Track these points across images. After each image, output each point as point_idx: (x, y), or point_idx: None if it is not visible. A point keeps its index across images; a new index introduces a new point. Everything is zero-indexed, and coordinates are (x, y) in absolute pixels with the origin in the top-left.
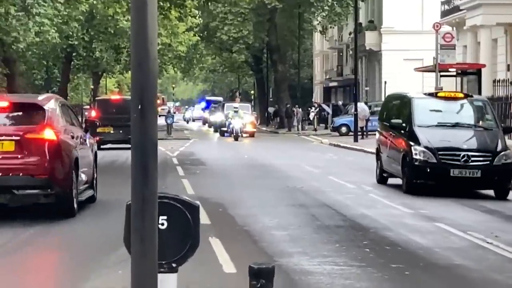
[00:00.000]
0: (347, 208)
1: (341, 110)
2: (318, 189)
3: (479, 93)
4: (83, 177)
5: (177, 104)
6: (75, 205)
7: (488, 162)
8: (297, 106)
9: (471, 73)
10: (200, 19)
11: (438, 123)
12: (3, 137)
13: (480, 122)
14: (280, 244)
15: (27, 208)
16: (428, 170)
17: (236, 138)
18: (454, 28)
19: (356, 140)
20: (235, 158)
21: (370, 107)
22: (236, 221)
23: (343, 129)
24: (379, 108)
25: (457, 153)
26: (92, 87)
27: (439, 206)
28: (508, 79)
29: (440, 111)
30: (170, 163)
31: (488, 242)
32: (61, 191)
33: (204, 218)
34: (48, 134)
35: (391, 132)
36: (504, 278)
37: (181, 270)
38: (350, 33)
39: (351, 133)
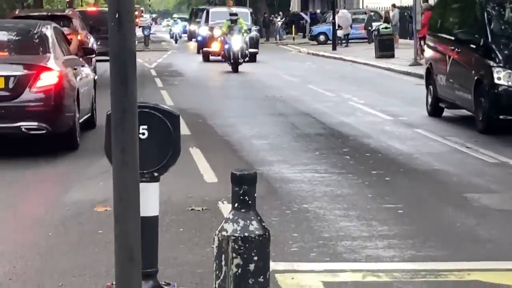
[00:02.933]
0: (326, 116)
1: (319, 19)
2: (297, 98)
3: None
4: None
5: (154, 15)
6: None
7: None
8: (275, 15)
9: None
10: None
11: None
12: None
13: None
14: (260, 153)
15: None
16: None
17: (235, 68)
18: None
19: (334, 48)
20: (212, 68)
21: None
22: (216, 131)
23: (321, 38)
24: (358, 16)
25: None
26: None
27: (417, 112)
28: None
29: None
30: (148, 74)
31: (467, 147)
32: None
33: (184, 129)
34: (77, 36)
35: (453, 47)
36: (484, 182)
37: (162, 180)
38: None
39: (329, 42)
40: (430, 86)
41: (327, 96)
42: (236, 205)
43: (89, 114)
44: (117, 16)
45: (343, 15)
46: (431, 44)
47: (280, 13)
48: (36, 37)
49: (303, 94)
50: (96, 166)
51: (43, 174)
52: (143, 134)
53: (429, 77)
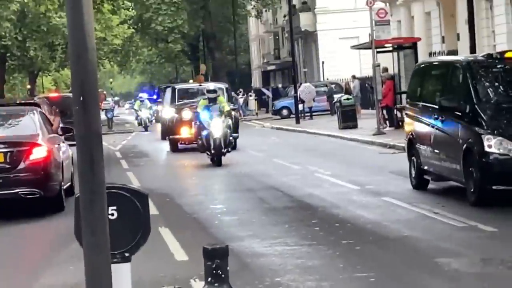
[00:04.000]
0: (294, 189)
1: (281, 93)
2: (263, 172)
3: None
4: None
5: (116, 98)
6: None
7: None
8: (238, 92)
9: (407, 47)
10: (134, 11)
11: None
12: None
13: None
14: (229, 229)
15: None
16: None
17: (218, 160)
18: (387, 4)
19: (298, 122)
20: (182, 157)
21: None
22: (184, 210)
23: (284, 112)
24: (319, 89)
25: None
26: (29, 86)
27: (383, 180)
28: (444, 51)
29: None
30: (113, 156)
31: (435, 212)
32: None
33: (152, 209)
34: (59, 117)
35: (436, 116)
36: (454, 246)
37: (133, 262)
38: (284, 16)
39: (292, 116)
40: (413, 158)
41: (293, 169)
42: (209, 279)
43: (70, 183)
44: (81, 99)
45: (304, 88)
46: (411, 113)
47: (241, 89)
48: (26, 120)
49: (269, 168)
50: (66, 250)
51: (13, 260)
52: (112, 215)
53: (412, 149)
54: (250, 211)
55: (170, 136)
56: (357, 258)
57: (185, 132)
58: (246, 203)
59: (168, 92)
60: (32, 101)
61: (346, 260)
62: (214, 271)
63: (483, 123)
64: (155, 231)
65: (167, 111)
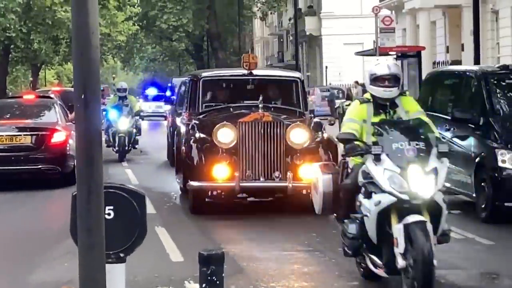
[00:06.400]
0: None
1: None
2: None
3: (420, 75)
4: None
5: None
6: None
7: None
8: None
9: (411, 55)
10: (139, 8)
11: None
12: None
13: None
14: (226, 231)
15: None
16: None
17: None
18: (393, 12)
19: None
20: None
21: (308, 93)
22: (182, 209)
23: None
24: (323, 93)
25: None
26: (31, 79)
27: None
28: (448, 61)
29: None
30: (112, 153)
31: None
32: None
33: (149, 208)
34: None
35: (447, 127)
36: (451, 258)
37: (128, 260)
38: (290, 19)
39: None
40: None
41: None
42: (204, 285)
43: None
44: (83, 97)
45: (317, 94)
46: None
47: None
48: (48, 109)
49: None
50: (62, 246)
51: (10, 253)
52: (109, 214)
53: None
54: (247, 215)
55: (190, 182)
56: (353, 266)
57: (221, 173)
58: (243, 207)
59: (181, 87)
60: (47, 95)
61: (342, 267)
62: (209, 277)
63: (497, 137)
64: (152, 230)
65: (181, 126)
